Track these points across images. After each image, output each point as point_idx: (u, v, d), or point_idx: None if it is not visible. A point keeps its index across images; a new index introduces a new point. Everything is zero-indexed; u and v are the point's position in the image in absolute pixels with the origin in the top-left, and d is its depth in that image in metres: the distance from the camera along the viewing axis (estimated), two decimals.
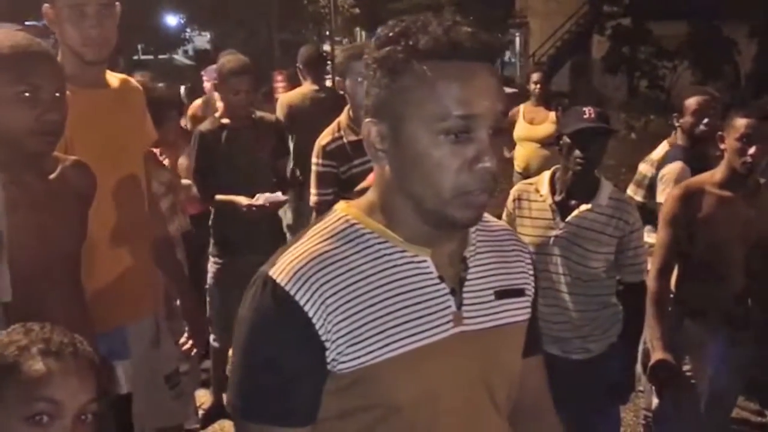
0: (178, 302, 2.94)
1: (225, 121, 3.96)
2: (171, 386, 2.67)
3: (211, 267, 4.06)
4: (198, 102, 5.67)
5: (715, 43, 18.85)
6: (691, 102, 3.75)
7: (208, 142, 3.92)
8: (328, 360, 1.18)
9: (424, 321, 1.21)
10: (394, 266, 1.22)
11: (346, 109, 3.37)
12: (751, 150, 2.79)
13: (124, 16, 2.44)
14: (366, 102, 1.22)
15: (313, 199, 3.39)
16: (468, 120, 1.14)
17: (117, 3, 2.41)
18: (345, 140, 3.27)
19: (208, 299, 4.07)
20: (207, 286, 4.09)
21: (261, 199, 3.71)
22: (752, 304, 2.93)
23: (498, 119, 1.17)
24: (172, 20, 28.03)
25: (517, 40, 29.85)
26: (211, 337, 4.05)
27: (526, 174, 5.54)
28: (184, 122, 5.18)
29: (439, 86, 1.14)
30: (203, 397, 4.23)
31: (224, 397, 3.70)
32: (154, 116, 2.81)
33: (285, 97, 5.34)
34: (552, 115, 5.94)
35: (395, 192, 1.22)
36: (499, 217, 2.66)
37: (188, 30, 30.19)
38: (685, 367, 2.99)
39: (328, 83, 5.37)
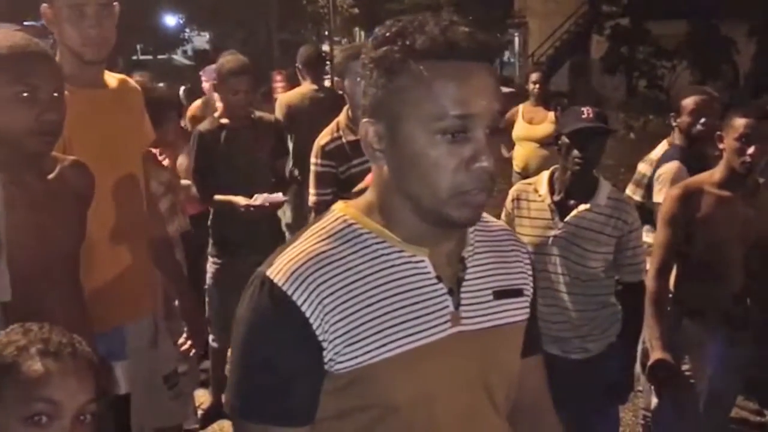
0: (176, 302, 2.94)
1: (224, 121, 3.97)
2: (170, 386, 2.67)
3: (210, 267, 4.06)
4: (198, 103, 5.68)
5: (714, 43, 18.85)
6: (688, 102, 3.75)
7: (207, 142, 3.92)
8: (326, 360, 1.18)
9: (422, 321, 1.21)
10: (392, 266, 1.22)
11: (345, 109, 3.37)
12: (750, 150, 2.79)
13: (122, 16, 2.44)
14: (363, 102, 1.23)
15: (311, 199, 3.39)
16: (465, 120, 1.14)
17: (116, 3, 2.41)
18: (344, 140, 3.28)
19: (207, 299, 4.07)
20: (206, 287, 4.09)
21: (259, 199, 3.71)
22: (751, 303, 2.93)
23: (495, 119, 1.17)
24: (171, 20, 28.03)
25: (516, 40, 29.85)
26: (210, 337, 4.05)
27: (525, 174, 5.54)
28: (184, 123, 5.18)
29: (435, 86, 1.14)
30: (202, 397, 4.23)
31: (223, 397, 3.70)
32: (153, 116, 2.80)
33: (284, 97, 5.34)
34: (551, 115, 5.94)
35: (393, 192, 1.22)
36: (498, 217, 2.66)
37: (187, 30, 30.20)
38: (684, 367, 2.99)
39: (327, 83, 5.36)
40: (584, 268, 2.76)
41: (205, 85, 5.84)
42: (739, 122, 2.83)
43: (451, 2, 20.16)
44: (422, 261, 1.23)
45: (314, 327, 1.17)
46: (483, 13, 20.23)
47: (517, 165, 6.11)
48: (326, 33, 27.27)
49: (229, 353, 1.87)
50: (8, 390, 1.36)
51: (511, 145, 6.19)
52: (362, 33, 32.38)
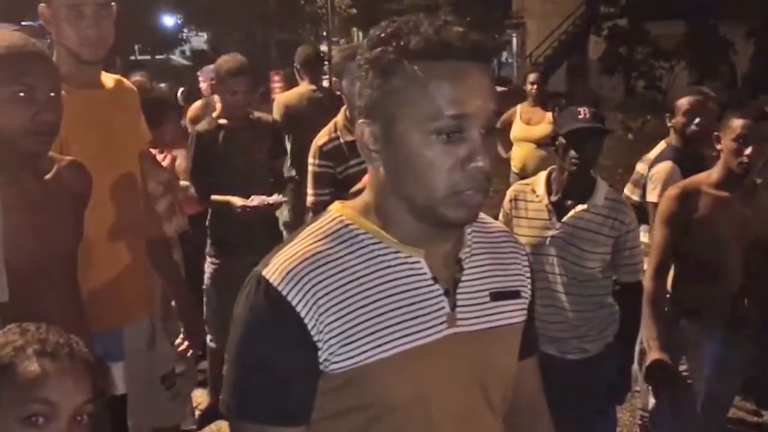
0: (173, 303, 2.94)
1: (222, 121, 3.97)
2: (167, 387, 2.67)
3: (208, 267, 4.06)
4: (198, 103, 5.67)
5: (712, 44, 18.84)
6: (683, 102, 3.76)
7: (206, 142, 3.92)
8: (321, 360, 1.18)
9: (418, 322, 1.21)
10: (388, 267, 1.22)
11: (342, 109, 3.37)
12: (748, 150, 2.80)
13: (120, 16, 2.44)
14: (359, 103, 1.23)
15: (309, 199, 3.39)
16: (460, 120, 1.14)
17: (113, 3, 2.40)
18: (341, 140, 3.28)
19: (205, 299, 4.07)
20: (204, 287, 4.09)
21: (255, 200, 3.71)
22: (749, 304, 2.93)
23: (490, 119, 1.18)
24: (169, 20, 27.99)
25: (514, 40, 29.84)
26: (208, 337, 4.05)
27: (523, 174, 5.54)
28: (184, 124, 5.17)
29: (430, 86, 1.14)
30: (200, 398, 4.23)
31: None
32: (152, 117, 2.80)
33: (282, 97, 5.34)
34: (549, 115, 5.94)
35: (389, 193, 1.22)
36: (496, 218, 2.66)
37: (185, 30, 30.17)
38: (682, 367, 2.99)
39: (326, 83, 5.37)
40: (582, 268, 2.77)
41: (203, 86, 5.84)
42: (737, 123, 2.83)
43: (449, 2, 20.14)
44: (418, 262, 1.23)
45: (309, 327, 1.17)
46: (481, 14, 20.23)
47: (514, 165, 6.12)
48: (324, 33, 27.27)
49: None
50: (5, 390, 1.35)
51: (508, 146, 6.20)
52: (360, 33, 32.37)
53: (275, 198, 3.80)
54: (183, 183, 4.15)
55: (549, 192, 2.84)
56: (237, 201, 3.73)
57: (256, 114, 4.15)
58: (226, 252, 3.95)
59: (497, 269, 1.35)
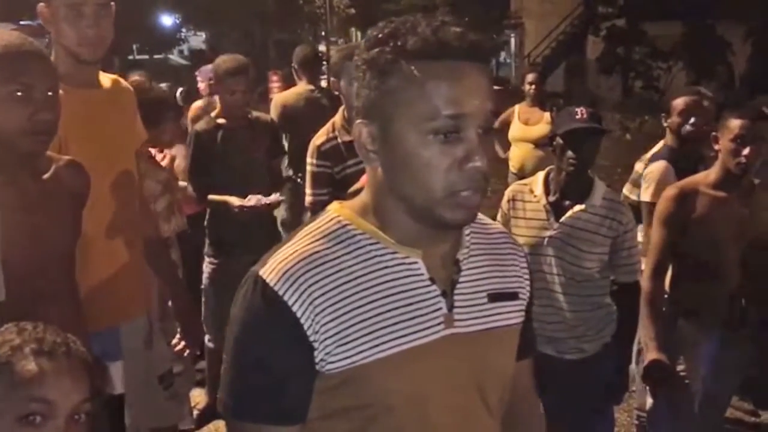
0: (170, 303, 2.94)
1: (221, 120, 3.97)
2: (165, 387, 2.67)
3: (207, 267, 4.06)
4: (199, 103, 5.67)
5: (710, 44, 18.86)
6: (678, 102, 3.78)
7: (204, 142, 3.92)
8: (317, 360, 1.18)
9: (415, 322, 1.21)
10: (385, 267, 1.22)
11: (341, 109, 3.38)
12: (745, 151, 2.80)
13: (119, 16, 2.44)
14: (356, 103, 1.23)
15: (308, 199, 3.39)
16: (457, 119, 1.14)
17: (112, 3, 2.40)
18: (339, 140, 3.28)
19: (203, 299, 4.07)
20: (202, 287, 4.09)
21: (253, 200, 3.71)
22: (747, 304, 2.93)
23: (488, 119, 1.18)
24: (167, 20, 27.97)
25: (513, 41, 29.86)
26: (207, 337, 4.05)
27: (521, 175, 5.55)
28: (184, 124, 5.17)
29: (427, 86, 1.14)
30: (198, 397, 4.22)
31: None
32: (150, 116, 2.80)
33: (280, 97, 5.34)
34: (547, 115, 5.95)
35: (387, 193, 1.22)
36: (494, 218, 2.66)
37: (183, 30, 30.15)
38: (679, 367, 3.00)
39: (324, 83, 5.37)
40: (579, 268, 2.77)
41: (201, 86, 5.84)
42: (735, 123, 2.83)
43: (446, 3, 20.15)
44: (415, 263, 1.23)
45: (305, 327, 1.17)
46: (479, 14, 20.23)
47: (513, 166, 6.12)
48: (323, 33, 27.29)
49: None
50: (2, 389, 1.35)
51: (507, 146, 6.20)
52: (359, 33, 32.37)
53: (273, 197, 3.80)
54: (181, 183, 4.16)
55: (547, 192, 2.84)
56: (234, 201, 3.73)
57: (255, 114, 4.15)
58: (224, 252, 3.95)
59: (495, 270, 1.35)
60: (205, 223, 4.06)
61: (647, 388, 3.09)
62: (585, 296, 2.82)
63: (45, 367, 1.37)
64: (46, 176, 1.96)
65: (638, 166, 3.94)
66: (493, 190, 1.48)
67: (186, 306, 2.83)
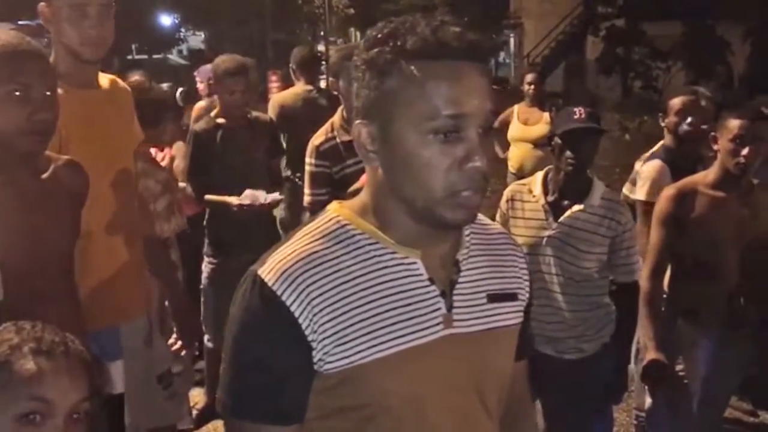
0: (167, 303, 2.93)
1: (220, 120, 3.97)
2: (164, 386, 2.67)
3: (206, 267, 4.06)
4: (202, 103, 5.66)
5: (709, 44, 18.88)
6: (676, 102, 3.78)
7: (203, 142, 3.93)
8: (315, 360, 1.18)
9: (413, 323, 1.21)
10: (384, 268, 1.22)
11: (339, 109, 3.37)
12: (744, 151, 2.80)
13: (118, 16, 2.43)
14: (356, 103, 1.23)
15: (306, 199, 3.39)
16: (457, 119, 1.14)
17: (113, 2, 2.40)
18: (338, 140, 3.28)
19: (202, 299, 4.07)
20: (202, 287, 4.09)
21: (248, 198, 3.70)
22: (746, 303, 2.93)
23: (487, 118, 1.17)
24: (166, 20, 27.98)
25: (512, 41, 29.87)
26: (206, 337, 4.05)
27: (520, 174, 5.55)
28: (185, 124, 5.16)
29: (427, 86, 1.14)
30: (197, 397, 4.22)
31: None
32: (150, 116, 2.80)
33: (278, 97, 5.35)
34: (546, 115, 5.96)
35: (387, 193, 1.22)
36: (493, 218, 2.66)
37: (182, 30, 30.16)
38: (678, 367, 3.00)
39: (323, 84, 5.37)
40: (578, 268, 2.77)
41: (200, 86, 5.84)
42: (734, 123, 2.83)
43: (446, 2, 20.15)
44: (414, 263, 1.23)
45: (303, 327, 1.17)
46: (478, 14, 20.24)
47: (512, 166, 6.12)
48: (322, 33, 27.29)
49: None
50: (1, 389, 1.35)
51: (506, 146, 6.21)
52: (358, 33, 32.37)
53: (272, 197, 3.80)
54: (180, 184, 4.16)
55: (546, 192, 2.84)
56: (233, 200, 3.74)
57: (254, 113, 4.15)
58: (223, 252, 3.95)
59: (495, 271, 1.35)
60: (205, 223, 4.06)
61: (646, 387, 3.09)
62: (584, 296, 2.82)
63: (43, 366, 1.37)
64: (45, 176, 1.96)
65: (638, 166, 3.95)
66: (492, 190, 1.47)
67: (183, 306, 2.83)
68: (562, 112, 2.91)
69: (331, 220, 1.26)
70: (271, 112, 4.98)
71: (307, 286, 1.17)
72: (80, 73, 2.36)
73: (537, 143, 5.86)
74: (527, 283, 1.41)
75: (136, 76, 4.82)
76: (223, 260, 3.93)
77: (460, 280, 1.28)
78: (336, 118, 3.36)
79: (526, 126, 6.04)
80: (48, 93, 1.87)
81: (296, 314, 1.16)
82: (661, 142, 3.95)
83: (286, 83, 6.46)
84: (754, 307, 2.94)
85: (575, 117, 2.74)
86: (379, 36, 1.18)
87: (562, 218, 2.78)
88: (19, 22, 11.72)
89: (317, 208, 2.92)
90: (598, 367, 2.88)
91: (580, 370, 2.87)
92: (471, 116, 1.15)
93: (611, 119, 14.86)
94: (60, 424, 1.36)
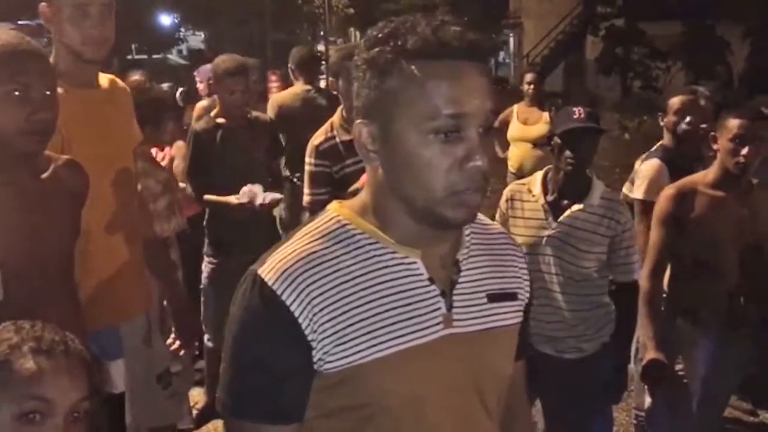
0: (165, 302, 2.93)
1: (220, 120, 3.97)
2: (163, 386, 2.67)
3: (206, 267, 4.06)
4: (203, 103, 5.66)
5: (708, 44, 18.89)
6: (675, 101, 3.79)
7: (203, 142, 3.93)
8: (315, 359, 1.18)
9: (413, 322, 1.21)
10: (384, 267, 1.22)
11: (339, 109, 3.37)
12: (744, 150, 2.80)
13: (118, 16, 2.43)
14: (356, 103, 1.22)
15: (306, 198, 3.39)
16: (457, 119, 1.14)
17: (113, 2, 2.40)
18: (338, 140, 3.28)
19: (202, 299, 4.07)
20: (202, 286, 4.09)
21: (245, 195, 3.69)
22: (746, 303, 2.93)
23: (488, 118, 1.17)
24: (166, 20, 27.97)
25: (511, 40, 29.90)
26: (206, 336, 4.05)
27: (520, 174, 5.55)
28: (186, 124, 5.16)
29: (428, 85, 1.14)
30: (197, 397, 4.22)
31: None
32: (151, 116, 2.79)
33: (276, 97, 5.35)
34: (546, 115, 5.96)
35: (387, 193, 1.22)
36: (492, 218, 2.66)
37: (182, 29, 30.15)
38: (678, 367, 3.00)
39: (323, 83, 5.37)
40: (578, 268, 2.77)
41: (200, 86, 5.84)
42: (733, 123, 2.84)
43: (446, 2, 20.16)
44: (414, 263, 1.23)
45: (303, 327, 1.17)
46: (478, 14, 20.26)
47: (511, 165, 6.13)
48: (321, 33, 27.29)
49: None
50: (1, 388, 1.35)
51: (506, 146, 6.21)
52: (357, 33, 32.38)
53: (272, 196, 3.80)
54: (180, 185, 4.15)
55: (545, 192, 2.84)
56: (231, 200, 3.74)
57: (254, 113, 4.15)
58: (223, 251, 3.95)
59: (495, 271, 1.35)
60: (204, 223, 4.06)
61: (646, 387, 3.09)
62: (584, 295, 2.82)
63: (43, 366, 1.37)
64: (44, 176, 1.96)
65: (638, 165, 3.95)
66: (492, 190, 1.47)
67: (181, 306, 2.83)
68: (561, 112, 2.91)
69: (331, 219, 1.26)
70: (270, 113, 4.98)
71: (307, 286, 1.17)
72: (81, 73, 2.36)
73: (536, 143, 5.86)
74: (527, 283, 1.41)
75: (136, 76, 4.83)
76: (223, 260, 3.93)
77: (460, 279, 1.28)
78: (335, 118, 3.36)
79: (525, 126, 6.04)
80: (48, 93, 1.87)
81: (296, 314, 1.16)
82: (661, 142, 3.95)
83: (286, 83, 6.45)
84: (754, 307, 2.95)
85: (575, 117, 2.74)
86: (380, 35, 1.18)
87: (561, 218, 2.78)
88: (19, 22, 11.71)
89: (317, 207, 2.92)
90: (597, 366, 2.88)
91: (580, 369, 2.87)
92: (471, 116, 1.15)
93: (611, 119, 14.87)
94: (60, 423, 1.36)
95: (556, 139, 2.77)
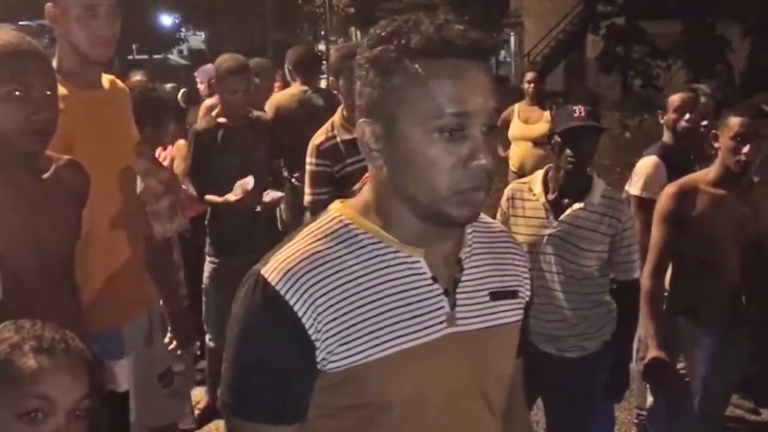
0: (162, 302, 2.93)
1: (221, 120, 3.97)
2: (164, 385, 2.67)
3: (208, 267, 4.06)
4: (208, 102, 5.65)
5: (709, 43, 18.88)
6: (675, 98, 3.80)
7: (204, 141, 3.92)
8: (318, 359, 1.18)
9: (417, 321, 1.21)
10: (387, 267, 1.22)
11: (339, 108, 3.38)
12: (745, 149, 2.80)
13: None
14: (359, 102, 1.22)
15: (307, 198, 3.39)
16: (461, 117, 1.14)
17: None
18: (338, 139, 3.28)
19: (204, 299, 4.07)
20: (203, 286, 4.09)
21: (239, 188, 3.69)
22: (747, 302, 2.93)
23: (491, 116, 1.17)
24: (166, 20, 27.99)
25: (512, 39, 29.89)
26: (207, 336, 4.06)
27: (521, 173, 5.56)
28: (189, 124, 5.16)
29: (431, 84, 1.14)
30: (199, 397, 4.22)
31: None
32: (152, 117, 2.79)
33: (274, 98, 5.34)
34: (546, 114, 5.96)
35: (390, 192, 1.22)
36: (493, 216, 2.66)
37: (183, 30, 30.17)
38: (679, 365, 3.00)
39: (323, 83, 5.36)
40: (579, 266, 2.77)
41: (200, 86, 5.83)
42: (734, 121, 2.84)
43: (447, 1, 20.16)
44: (418, 261, 1.23)
45: (306, 327, 1.16)
46: (479, 13, 20.28)
47: (512, 164, 6.13)
48: (322, 32, 27.30)
49: None
50: (2, 387, 1.36)
51: (507, 145, 6.21)
52: (358, 32, 32.39)
53: (273, 195, 3.80)
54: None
55: (546, 190, 2.84)
56: (230, 198, 3.73)
57: (256, 113, 4.15)
58: (225, 251, 3.95)
59: (497, 269, 1.35)
60: (206, 222, 4.07)
61: (647, 386, 3.09)
62: (585, 294, 2.82)
63: (44, 364, 1.37)
64: (45, 176, 1.96)
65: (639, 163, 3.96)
66: (493, 189, 1.47)
67: (177, 306, 2.83)
68: (562, 111, 2.91)
69: (333, 219, 1.26)
70: (268, 113, 4.97)
71: (311, 286, 1.17)
72: (85, 74, 2.35)
73: (537, 142, 5.86)
74: (527, 281, 1.42)
75: (137, 77, 4.83)
76: (225, 260, 3.93)
77: (463, 278, 1.28)
78: (336, 117, 3.36)
79: (526, 125, 6.05)
80: (48, 93, 1.86)
81: (299, 314, 1.16)
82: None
83: (286, 84, 6.46)
84: (755, 306, 2.95)
85: (575, 115, 2.74)
86: (383, 34, 1.18)
87: (562, 216, 2.78)
88: (20, 23, 11.71)
89: (318, 207, 2.92)
90: (599, 365, 2.88)
91: (581, 368, 2.87)
92: (475, 114, 1.15)
93: (611, 118, 14.86)
94: (62, 421, 1.37)
95: (557, 138, 2.77)
